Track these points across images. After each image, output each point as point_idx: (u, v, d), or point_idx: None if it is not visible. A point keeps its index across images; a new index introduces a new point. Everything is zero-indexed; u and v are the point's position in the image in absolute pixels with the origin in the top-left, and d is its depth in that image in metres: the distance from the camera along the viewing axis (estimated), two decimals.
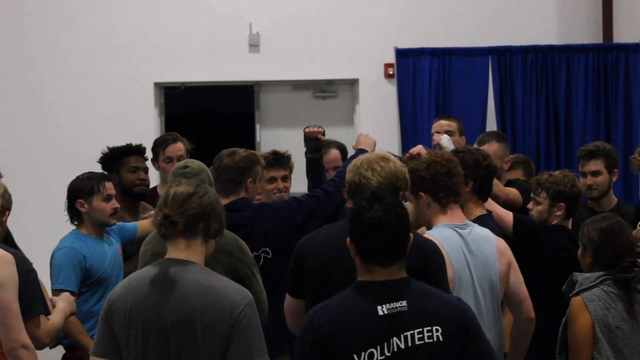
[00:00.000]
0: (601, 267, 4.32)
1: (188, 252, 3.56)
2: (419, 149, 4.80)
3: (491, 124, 9.40)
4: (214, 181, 4.91)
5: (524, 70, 9.43)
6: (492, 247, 4.33)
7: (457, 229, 4.29)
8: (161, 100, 9.77)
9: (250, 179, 5.08)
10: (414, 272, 3.59)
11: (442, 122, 6.61)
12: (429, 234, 4.25)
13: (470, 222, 4.41)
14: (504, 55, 9.43)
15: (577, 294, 4.30)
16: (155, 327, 3.46)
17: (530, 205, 5.25)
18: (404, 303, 3.38)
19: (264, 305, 4.59)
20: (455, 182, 4.35)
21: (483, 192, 4.82)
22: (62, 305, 4.54)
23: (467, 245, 4.27)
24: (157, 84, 9.60)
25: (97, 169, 5.86)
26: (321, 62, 9.58)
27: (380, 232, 3.39)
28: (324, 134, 5.58)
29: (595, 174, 6.00)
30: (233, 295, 3.50)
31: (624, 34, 9.60)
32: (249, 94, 9.96)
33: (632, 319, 4.27)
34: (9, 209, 4.97)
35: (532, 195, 5.17)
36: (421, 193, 4.34)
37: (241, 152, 5.10)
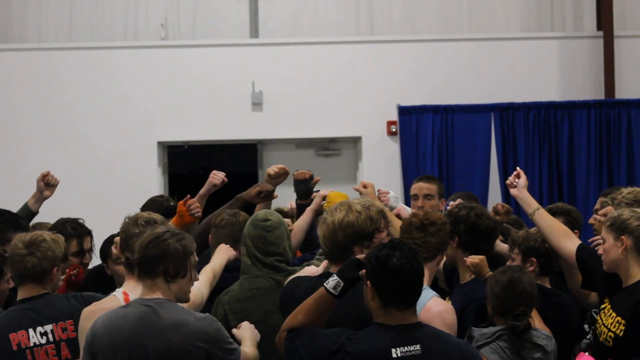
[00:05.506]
0: (499, 315, 4.42)
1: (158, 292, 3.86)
2: (398, 210, 5.23)
3: (494, 180, 9.41)
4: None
5: (527, 126, 9.46)
6: None
7: None
8: (164, 159, 9.79)
9: None
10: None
11: (422, 184, 6.42)
12: None
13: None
14: (506, 112, 9.47)
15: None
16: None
17: (507, 263, 5.25)
18: (418, 347, 3.52)
19: None
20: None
21: (469, 248, 4.81)
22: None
23: None
24: (160, 143, 9.64)
25: (103, 229, 5.77)
26: (324, 120, 9.63)
27: (403, 277, 3.55)
28: (312, 177, 5.60)
29: None
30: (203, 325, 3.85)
31: (625, 90, 9.66)
32: (253, 153, 10.00)
33: None
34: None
35: (509, 252, 5.17)
36: None
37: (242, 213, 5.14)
